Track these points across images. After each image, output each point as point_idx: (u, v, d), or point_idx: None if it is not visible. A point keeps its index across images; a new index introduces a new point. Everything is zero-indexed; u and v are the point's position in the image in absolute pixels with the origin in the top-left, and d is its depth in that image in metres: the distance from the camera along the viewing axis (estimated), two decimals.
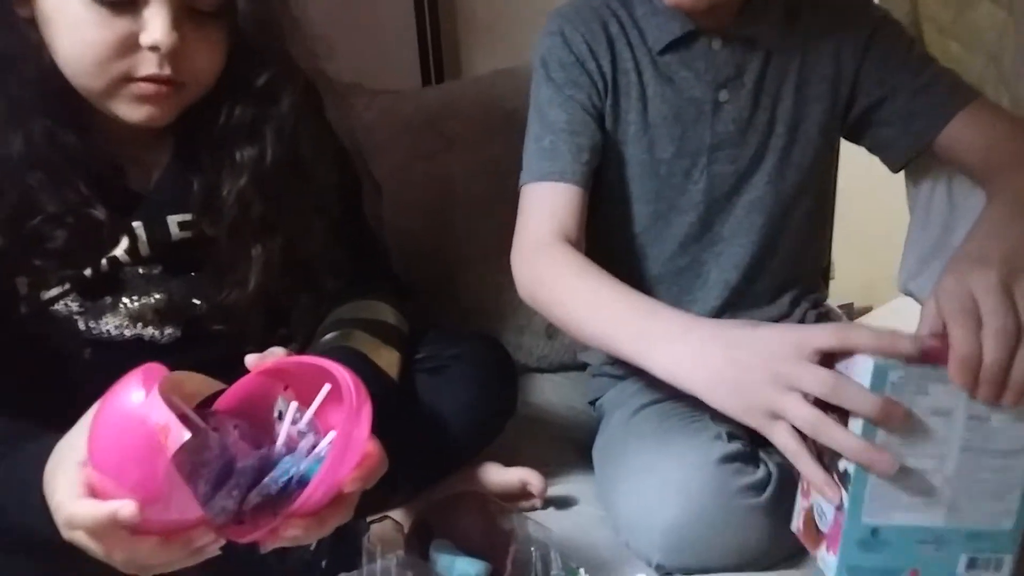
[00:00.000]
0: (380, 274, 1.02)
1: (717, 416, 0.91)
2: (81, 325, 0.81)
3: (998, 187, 0.83)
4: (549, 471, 0.96)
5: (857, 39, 0.97)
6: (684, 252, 1.01)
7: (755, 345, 0.68)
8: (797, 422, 0.65)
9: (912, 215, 1.16)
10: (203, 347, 0.84)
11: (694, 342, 0.73)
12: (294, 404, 0.60)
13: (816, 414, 0.64)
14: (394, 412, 0.78)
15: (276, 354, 0.64)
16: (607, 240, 1.01)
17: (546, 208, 0.94)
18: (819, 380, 0.64)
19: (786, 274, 1.04)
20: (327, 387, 0.59)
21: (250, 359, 0.63)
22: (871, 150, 1.01)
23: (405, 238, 1.25)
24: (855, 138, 1.01)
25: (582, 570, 0.74)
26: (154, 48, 0.73)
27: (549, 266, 0.89)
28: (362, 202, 1.02)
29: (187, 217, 0.83)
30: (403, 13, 1.54)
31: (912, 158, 0.97)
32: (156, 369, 0.56)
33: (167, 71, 0.74)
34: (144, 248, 0.82)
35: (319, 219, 0.88)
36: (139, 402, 0.52)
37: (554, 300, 0.88)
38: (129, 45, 0.73)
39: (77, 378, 0.75)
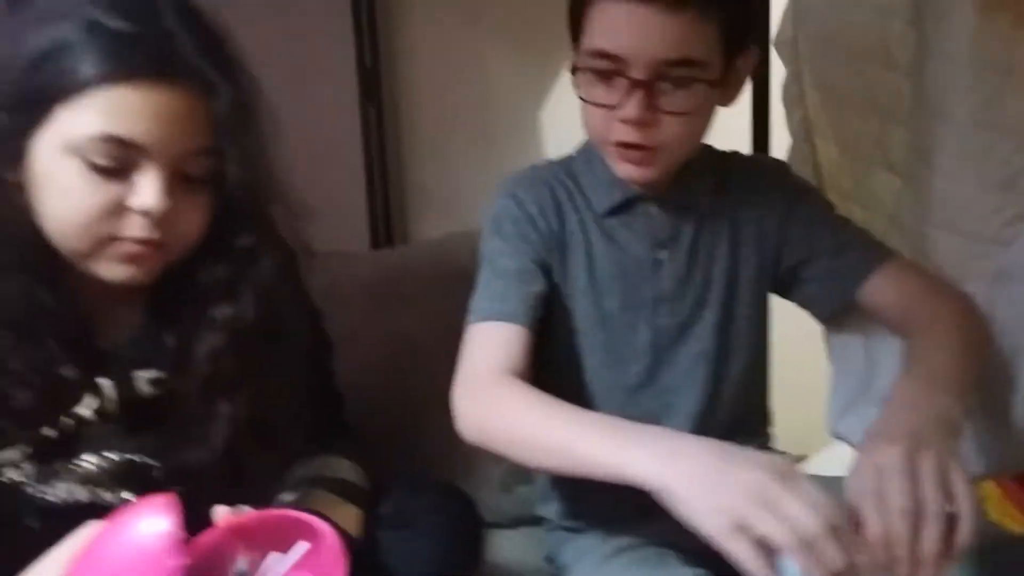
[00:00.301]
0: (339, 429, 1.02)
1: (683, 564, 0.92)
2: (29, 491, 0.77)
3: (913, 354, 0.92)
4: None
5: (779, 205, 1.05)
6: (634, 402, 1.03)
7: (751, 458, 0.70)
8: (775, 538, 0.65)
9: (833, 361, 1.24)
10: None
11: (689, 441, 0.75)
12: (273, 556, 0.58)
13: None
14: (357, 570, 0.75)
15: (245, 510, 0.62)
16: (557, 392, 0.99)
17: (493, 346, 0.95)
18: (809, 505, 0.65)
19: (733, 423, 1.07)
20: (305, 545, 0.57)
21: (220, 511, 0.61)
22: (800, 304, 1.09)
23: (361, 392, 1.24)
24: (784, 293, 1.09)
25: None
26: (145, 213, 0.73)
27: (500, 396, 0.89)
28: (330, 362, 1.03)
29: (158, 374, 0.82)
30: (353, 179, 1.60)
31: (837, 312, 1.05)
32: (172, 504, 0.54)
33: (155, 235, 0.75)
34: (112, 406, 0.80)
35: (289, 379, 0.88)
36: (160, 540, 0.50)
37: (509, 425, 0.86)
38: (118, 208, 0.74)
39: (16, 548, 0.69)
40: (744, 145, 1.50)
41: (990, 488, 1.81)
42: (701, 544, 1.02)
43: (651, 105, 0.89)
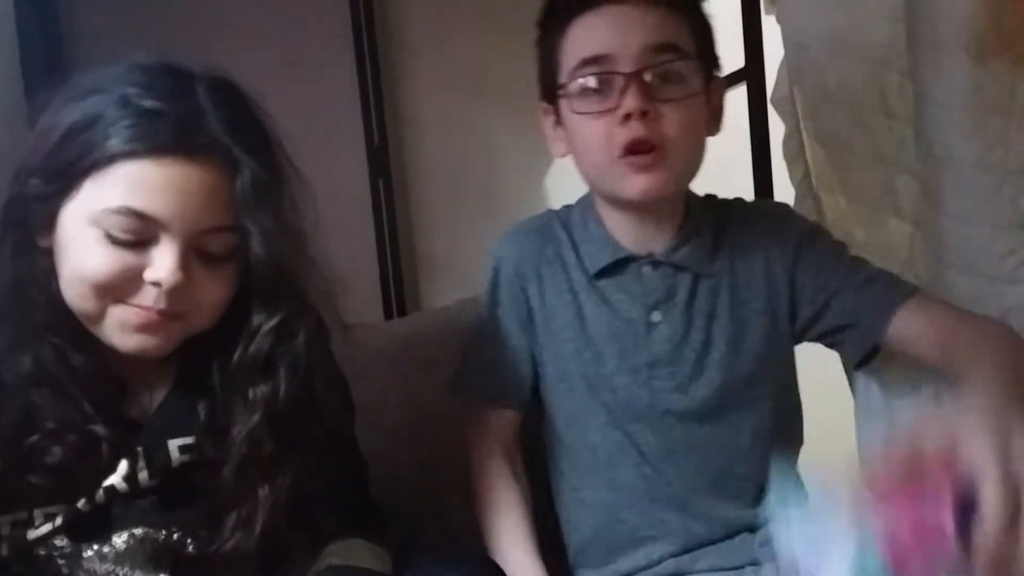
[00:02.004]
0: (364, 503, 1.00)
1: None
2: (65, 569, 0.76)
3: (966, 374, 0.85)
4: None
5: (785, 253, 1.02)
6: (646, 462, 1.02)
7: None
8: None
9: (856, 414, 1.23)
10: None
11: None
12: None
13: None
14: None
15: None
16: (560, 448, 1.07)
17: (482, 431, 1.06)
18: None
19: (753, 475, 1.03)
20: None
21: None
22: (830, 347, 1.06)
23: (383, 463, 1.23)
24: (813, 339, 1.06)
25: None
26: (156, 284, 0.74)
27: (480, 485, 1.06)
28: (353, 428, 1.01)
29: (189, 441, 0.81)
30: (365, 252, 1.62)
31: (868, 352, 1.00)
32: None
33: (162, 305, 0.75)
34: (143, 475, 0.79)
35: (325, 453, 0.87)
36: None
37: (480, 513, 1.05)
38: (133, 276, 0.75)
39: None
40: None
41: None
42: None
43: (648, 95, 0.91)
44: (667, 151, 0.93)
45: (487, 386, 1.07)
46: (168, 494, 0.81)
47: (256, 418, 0.80)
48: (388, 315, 1.62)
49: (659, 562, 1.02)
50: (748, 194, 1.50)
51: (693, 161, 0.98)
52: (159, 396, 0.83)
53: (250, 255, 0.78)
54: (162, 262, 0.74)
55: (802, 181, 1.42)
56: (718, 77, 1.01)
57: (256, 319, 0.81)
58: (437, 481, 1.24)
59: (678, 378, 1.00)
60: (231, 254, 0.78)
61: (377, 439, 1.26)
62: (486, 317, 1.07)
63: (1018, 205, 1.03)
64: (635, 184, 0.95)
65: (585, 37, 0.95)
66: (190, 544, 0.80)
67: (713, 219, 1.04)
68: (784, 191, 1.48)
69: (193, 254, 0.76)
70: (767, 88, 1.47)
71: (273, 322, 0.81)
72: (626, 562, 1.03)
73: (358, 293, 1.63)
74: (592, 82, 0.94)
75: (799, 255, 1.02)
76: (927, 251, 1.14)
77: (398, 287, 1.63)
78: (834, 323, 1.01)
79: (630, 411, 1.01)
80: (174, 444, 0.81)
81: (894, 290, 0.99)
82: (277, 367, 0.81)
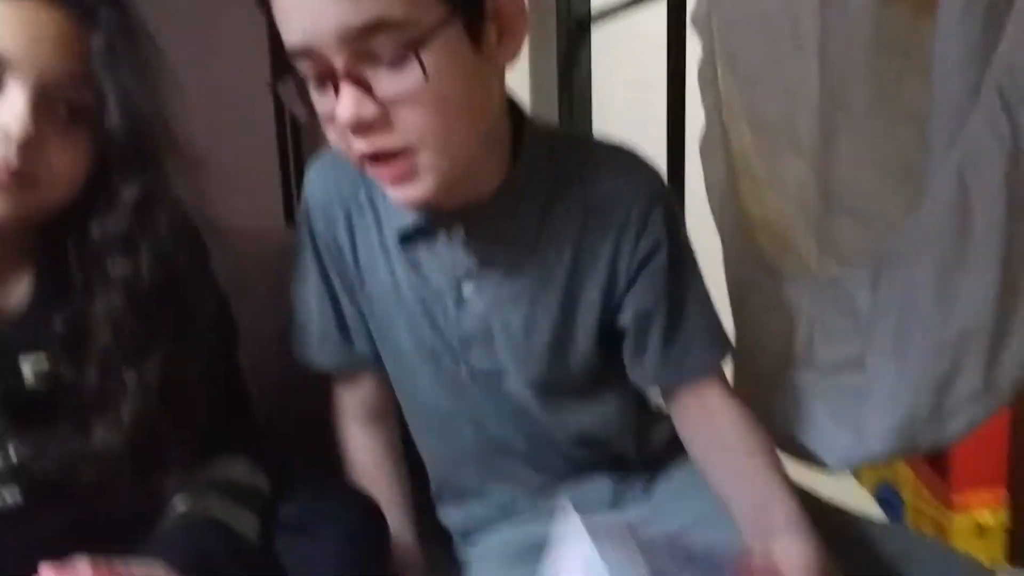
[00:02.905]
0: (244, 423, 0.99)
1: None
2: None
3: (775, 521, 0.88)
4: None
5: (642, 243, 0.89)
6: (482, 427, 0.99)
7: None
8: None
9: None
10: (61, 505, 0.77)
11: None
12: None
13: None
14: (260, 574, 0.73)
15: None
16: (411, 418, 1.05)
17: (337, 394, 1.04)
18: None
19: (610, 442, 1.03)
20: None
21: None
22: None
23: (267, 382, 1.20)
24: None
25: None
26: (5, 134, 0.70)
27: (345, 450, 1.04)
28: (235, 351, 0.99)
29: (44, 361, 0.77)
30: (265, 151, 1.55)
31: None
32: None
33: (15, 163, 0.70)
34: None
35: (196, 355, 0.85)
36: None
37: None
38: None
39: None
40: (659, 127, 1.48)
41: (904, 470, 1.85)
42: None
43: (367, 97, 0.71)
44: (417, 157, 0.74)
45: (324, 355, 1.00)
46: (19, 414, 0.77)
47: (117, 299, 0.77)
48: (290, 220, 1.57)
49: (512, 502, 1.03)
50: (660, 119, 1.47)
51: (462, 143, 0.77)
52: (10, 309, 0.79)
53: (107, 121, 0.75)
54: (10, 108, 0.70)
55: (712, 109, 1.39)
56: None
57: (114, 191, 0.78)
58: (325, 407, 1.22)
59: (494, 360, 0.92)
60: (87, 118, 0.75)
61: (261, 359, 1.23)
62: (301, 271, 0.99)
63: (905, 151, 1.02)
64: (396, 195, 0.79)
65: (281, 19, 0.74)
66: (49, 461, 0.78)
67: (555, 171, 0.88)
68: (698, 116, 1.45)
69: (46, 111, 0.72)
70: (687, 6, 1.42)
71: (132, 195, 0.78)
72: (477, 504, 1.04)
73: (256, 195, 1.60)
74: (310, 78, 0.75)
75: (653, 253, 0.90)
76: (818, 193, 1.13)
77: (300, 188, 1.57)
78: (633, 347, 0.95)
79: (454, 384, 0.96)
80: (27, 363, 0.78)
81: (697, 359, 0.96)
82: (139, 246, 0.79)
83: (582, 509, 1.02)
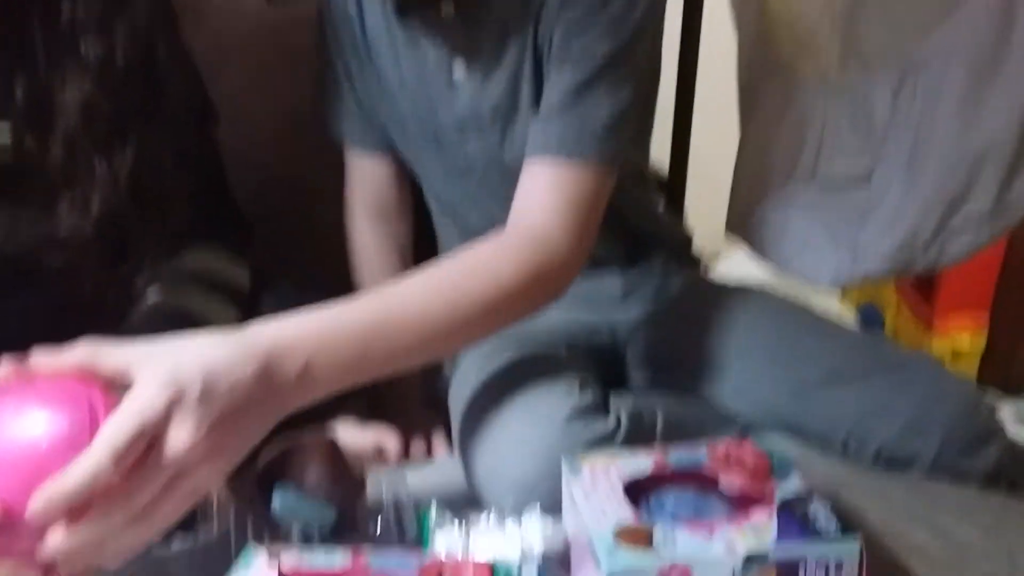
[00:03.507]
0: (226, 215, 0.94)
1: (569, 362, 0.91)
2: None
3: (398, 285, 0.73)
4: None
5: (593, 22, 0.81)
6: (494, 210, 0.94)
7: None
8: None
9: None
10: (30, 290, 0.75)
11: None
12: None
13: None
14: None
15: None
16: (430, 198, 1.03)
17: (352, 179, 1.02)
18: None
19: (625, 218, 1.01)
20: None
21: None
22: None
23: (249, 169, 1.15)
24: None
25: (434, 506, 0.71)
26: None
27: (351, 244, 1.04)
28: (215, 134, 0.94)
29: (7, 132, 0.72)
30: None
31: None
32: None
33: None
34: None
35: (172, 141, 0.80)
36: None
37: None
38: None
39: None
40: None
41: (888, 291, 1.86)
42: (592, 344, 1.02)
43: None
44: None
45: (339, 126, 1.00)
46: None
47: (89, 84, 0.72)
48: None
49: None
50: None
51: None
52: None
53: None
54: None
55: None
56: None
57: None
58: (306, 192, 1.18)
59: (487, 140, 0.91)
60: None
61: (239, 142, 1.17)
62: (320, 46, 0.98)
63: None
64: None
65: None
66: (19, 240, 0.74)
67: None
68: None
69: None
70: None
71: None
72: None
73: None
74: None
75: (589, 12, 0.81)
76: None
77: None
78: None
79: (456, 169, 0.95)
80: None
81: (564, 139, 0.82)
82: (114, 26, 0.73)
83: (592, 300, 1.04)
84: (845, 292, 1.94)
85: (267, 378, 0.57)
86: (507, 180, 0.85)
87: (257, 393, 0.56)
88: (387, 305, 0.69)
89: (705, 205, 1.38)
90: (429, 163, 0.98)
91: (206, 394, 0.53)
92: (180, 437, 0.51)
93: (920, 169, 1.05)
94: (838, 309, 1.89)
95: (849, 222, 1.15)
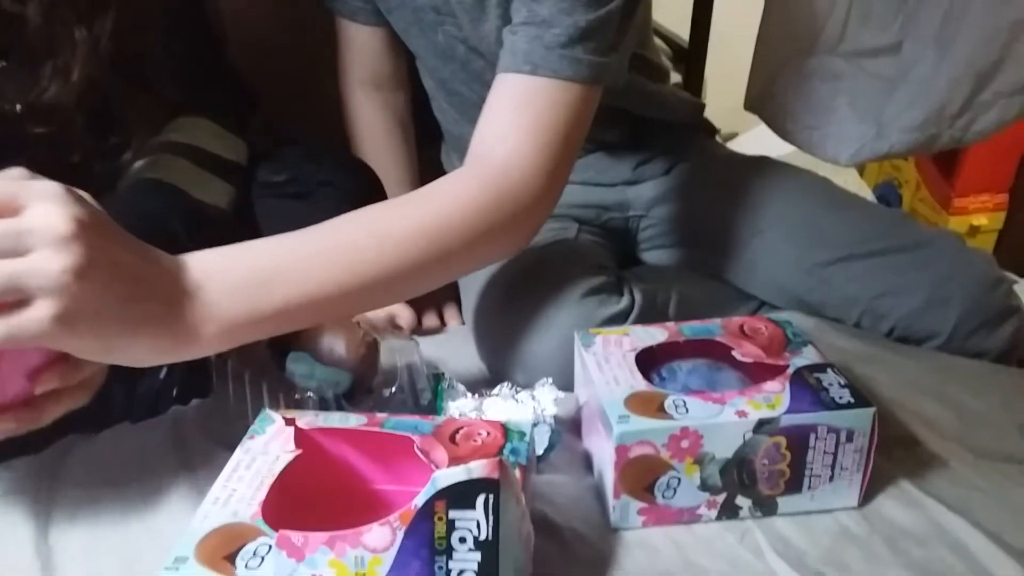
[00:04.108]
0: (224, 86, 0.91)
1: (583, 241, 0.89)
2: None
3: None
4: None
5: None
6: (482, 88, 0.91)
7: None
8: None
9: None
10: (16, 152, 0.72)
11: None
12: None
13: None
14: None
15: None
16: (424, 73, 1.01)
17: (344, 50, 0.99)
18: None
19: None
20: None
21: None
22: None
23: (250, 36, 1.11)
24: None
25: (448, 375, 0.71)
26: None
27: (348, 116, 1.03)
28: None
29: None
30: None
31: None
32: None
33: None
34: None
35: (157, 3, 0.77)
36: None
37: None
38: None
39: None
40: None
41: (908, 169, 1.83)
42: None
43: None
44: None
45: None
46: None
47: None
48: None
49: None
50: None
51: None
52: None
53: None
54: None
55: None
56: None
57: None
58: (311, 60, 1.14)
59: (463, 30, 0.86)
60: None
61: (239, 9, 1.13)
62: None
63: None
64: None
65: None
66: (5, 100, 0.71)
67: None
68: None
69: None
70: None
71: None
72: None
73: None
74: None
75: None
76: None
77: None
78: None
79: (441, 49, 0.90)
80: None
81: (531, 52, 0.70)
82: None
83: (602, 181, 1.02)
84: (864, 170, 1.90)
85: (155, 270, 0.53)
86: (490, 69, 0.76)
87: (141, 273, 0.52)
88: (312, 235, 0.61)
89: (726, 82, 1.34)
90: (415, 41, 0.94)
91: (94, 233, 0.49)
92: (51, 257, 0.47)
93: (952, 39, 1.00)
94: (856, 187, 1.86)
95: (875, 93, 1.11)
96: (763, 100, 1.21)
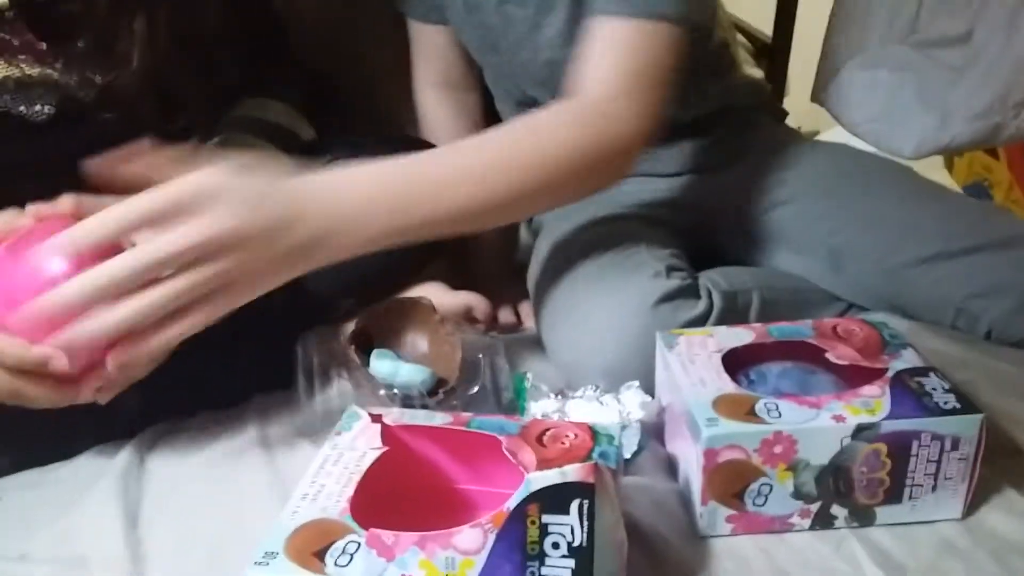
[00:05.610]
0: (287, 74, 0.93)
1: (654, 243, 0.87)
2: None
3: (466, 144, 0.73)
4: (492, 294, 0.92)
5: None
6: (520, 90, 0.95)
7: None
8: None
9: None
10: (87, 129, 0.75)
11: None
12: None
13: None
14: None
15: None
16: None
17: (416, 53, 1.01)
18: None
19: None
20: None
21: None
22: None
23: (314, 36, 1.11)
24: None
25: (530, 375, 0.70)
26: None
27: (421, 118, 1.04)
28: None
29: None
30: None
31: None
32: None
33: None
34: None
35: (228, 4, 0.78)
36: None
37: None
38: None
39: None
40: None
41: (1000, 170, 1.75)
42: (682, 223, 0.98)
43: None
44: None
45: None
46: (39, 27, 0.72)
47: None
48: None
49: None
50: None
51: None
52: None
53: None
54: None
55: None
56: None
57: None
58: (373, 63, 1.13)
59: (527, 8, 0.86)
60: None
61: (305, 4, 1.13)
62: None
63: None
64: None
65: None
66: (75, 80, 0.74)
67: None
68: None
69: None
70: None
71: None
72: None
73: None
74: None
75: None
76: None
77: None
78: None
79: (492, 44, 0.90)
80: None
81: None
82: None
83: (671, 172, 0.99)
84: (953, 169, 1.83)
85: (295, 197, 0.58)
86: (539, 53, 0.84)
87: (281, 210, 0.57)
88: (427, 163, 0.67)
89: (809, 80, 1.30)
90: (468, 36, 0.94)
91: (231, 197, 0.54)
92: (204, 222, 0.52)
93: (1020, 26, 0.95)
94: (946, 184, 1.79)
95: (943, 84, 1.07)
96: (829, 91, 1.18)
